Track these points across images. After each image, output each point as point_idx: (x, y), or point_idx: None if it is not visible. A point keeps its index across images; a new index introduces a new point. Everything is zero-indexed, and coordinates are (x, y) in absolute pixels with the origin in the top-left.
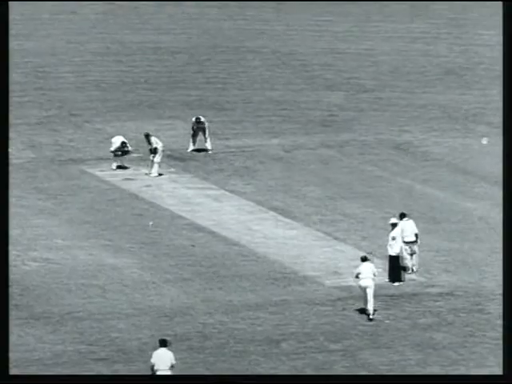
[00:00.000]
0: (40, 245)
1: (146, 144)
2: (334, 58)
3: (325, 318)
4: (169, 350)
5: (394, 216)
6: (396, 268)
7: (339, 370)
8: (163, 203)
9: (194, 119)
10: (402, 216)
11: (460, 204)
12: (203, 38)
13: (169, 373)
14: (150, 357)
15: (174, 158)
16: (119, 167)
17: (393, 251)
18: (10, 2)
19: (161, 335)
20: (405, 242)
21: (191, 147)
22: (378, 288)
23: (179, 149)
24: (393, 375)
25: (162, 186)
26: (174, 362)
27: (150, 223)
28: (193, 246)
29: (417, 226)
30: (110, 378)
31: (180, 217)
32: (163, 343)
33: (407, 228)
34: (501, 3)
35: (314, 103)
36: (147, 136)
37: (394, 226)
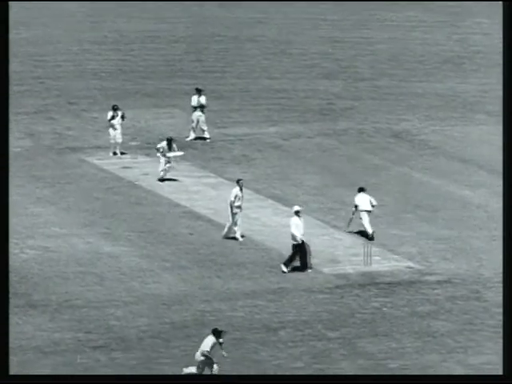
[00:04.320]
0: (38, 233)
1: (144, 133)
2: (332, 46)
3: (323, 305)
4: None
5: (298, 205)
6: (302, 256)
7: (337, 357)
8: (161, 191)
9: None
10: (361, 190)
11: (458, 192)
12: (201, 27)
13: None
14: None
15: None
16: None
17: (298, 238)
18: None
19: (159, 323)
20: (362, 210)
21: (191, 136)
22: (376, 275)
23: (177, 137)
24: (391, 375)
25: (159, 174)
26: None
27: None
28: (191, 234)
29: (415, 214)
30: (109, 378)
31: (178, 205)
32: None
33: (364, 199)
34: None
35: (312, 92)
36: (170, 141)
37: (297, 213)
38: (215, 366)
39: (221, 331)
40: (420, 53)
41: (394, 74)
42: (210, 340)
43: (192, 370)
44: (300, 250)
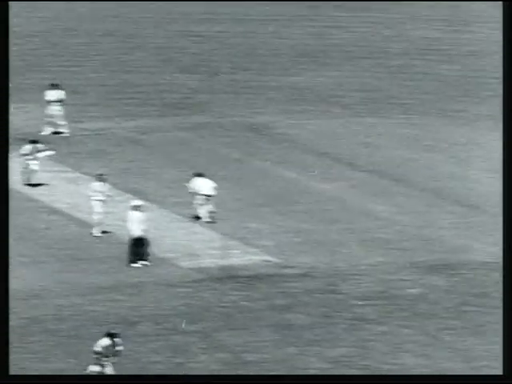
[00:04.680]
0: None
1: None
2: (189, 40)
3: (181, 299)
4: None
5: (137, 199)
6: (140, 249)
7: (196, 351)
8: (18, 187)
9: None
10: (198, 175)
11: (314, 185)
12: (56, 21)
13: None
14: None
15: (28, 141)
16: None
17: (136, 232)
18: None
19: (16, 318)
20: (202, 195)
21: (48, 130)
22: (234, 269)
23: (33, 132)
24: (392, 375)
25: (16, 170)
26: None
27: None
28: (47, 228)
29: (272, 207)
30: (107, 378)
31: (35, 200)
32: None
33: (204, 184)
34: None
35: (170, 86)
36: (35, 142)
37: (136, 208)
38: (109, 364)
39: (114, 333)
40: (276, 46)
41: (250, 68)
42: (102, 341)
43: (95, 368)
44: (140, 244)
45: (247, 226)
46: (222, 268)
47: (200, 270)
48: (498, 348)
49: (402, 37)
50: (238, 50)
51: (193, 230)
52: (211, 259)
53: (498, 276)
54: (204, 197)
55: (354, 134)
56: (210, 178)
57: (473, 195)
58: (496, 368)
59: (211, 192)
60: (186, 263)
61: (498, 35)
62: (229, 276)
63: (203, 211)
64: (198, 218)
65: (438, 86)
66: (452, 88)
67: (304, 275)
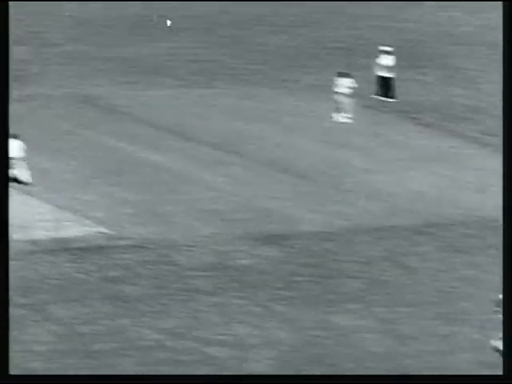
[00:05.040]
0: None
1: None
2: (20, 12)
3: (13, 272)
4: None
5: None
6: None
7: (29, 323)
8: None
9: None
10: (13, 136)
11: (148, 157)
12: None
13: None
14: None
15: None
16: None
17: None
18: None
19: None
20: (14, 158)
21: None
22: (67, 241)
23: None
24: (391, 375)
25: None
26: None
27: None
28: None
29: (105, 179)
30: (113, 378)
31: None
32: None
33: (15, 146)
34: None
35: None
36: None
37: None
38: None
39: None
40: (108, 17)
41: (82, 39)
42: None
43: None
44: None
45: (80, 197)
46: (55, 240)
47: (32, 242)
48: (329, 317)
49: (234, 8)
50: (69, 21)
51: (25, 201)
52: (44, 231)
53: (329, 246)
54: (16, 160)
55: (186, 105)
56: (42, 150)
57: (302, 165)
58: (328, 338)
59: (19, 154)
60: (17, 235)
61: (332, 6)
62: (62, 248)
63: (19, 173)
64: (16, 180)
65: (268, 56)
66: (283, 58)
67: (138, 246)
